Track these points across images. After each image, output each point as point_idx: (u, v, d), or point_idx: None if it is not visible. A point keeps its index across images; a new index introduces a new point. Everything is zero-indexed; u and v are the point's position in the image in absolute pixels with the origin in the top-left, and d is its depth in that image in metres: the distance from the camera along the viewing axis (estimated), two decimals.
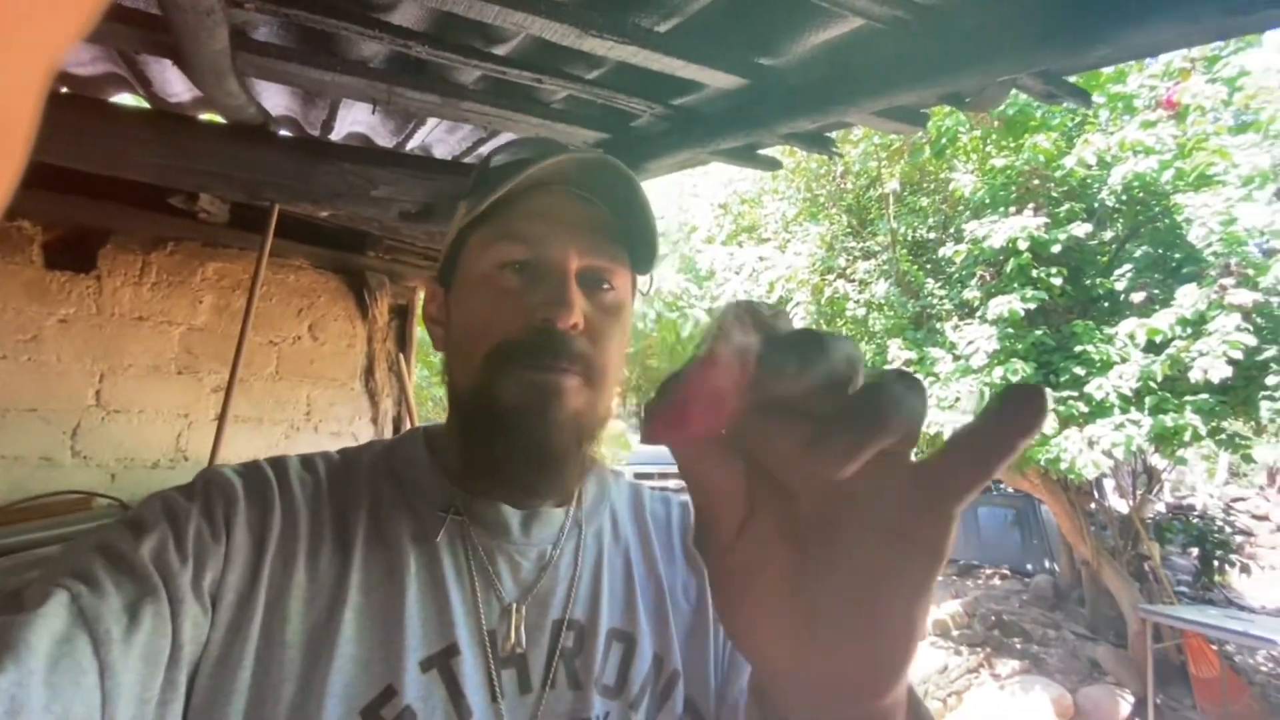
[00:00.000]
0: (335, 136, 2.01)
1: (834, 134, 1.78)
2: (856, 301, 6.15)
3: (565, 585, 0.54)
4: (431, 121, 1.84)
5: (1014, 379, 4.88)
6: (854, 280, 6.39)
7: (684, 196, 9.77)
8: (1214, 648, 5.06)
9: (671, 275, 9.34)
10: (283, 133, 1.95)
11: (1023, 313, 4.85)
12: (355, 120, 1.92)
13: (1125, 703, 5.23)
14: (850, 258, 6.60)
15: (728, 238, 9.30)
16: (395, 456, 0.56)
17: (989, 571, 8.20)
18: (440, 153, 2.11)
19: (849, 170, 6.77)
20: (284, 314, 2.80)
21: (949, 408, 5.19)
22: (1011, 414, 0.21)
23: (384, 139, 2.02)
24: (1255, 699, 4.95)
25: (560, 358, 0.49)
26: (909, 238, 6.17)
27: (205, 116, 1.81)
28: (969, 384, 5.09)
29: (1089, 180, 4.86)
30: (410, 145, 2.03)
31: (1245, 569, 7.21)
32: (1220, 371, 3.86)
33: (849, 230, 6.79)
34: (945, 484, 0.23)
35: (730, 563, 0.27)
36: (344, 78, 1.40)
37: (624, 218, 0.54)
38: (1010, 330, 4.93)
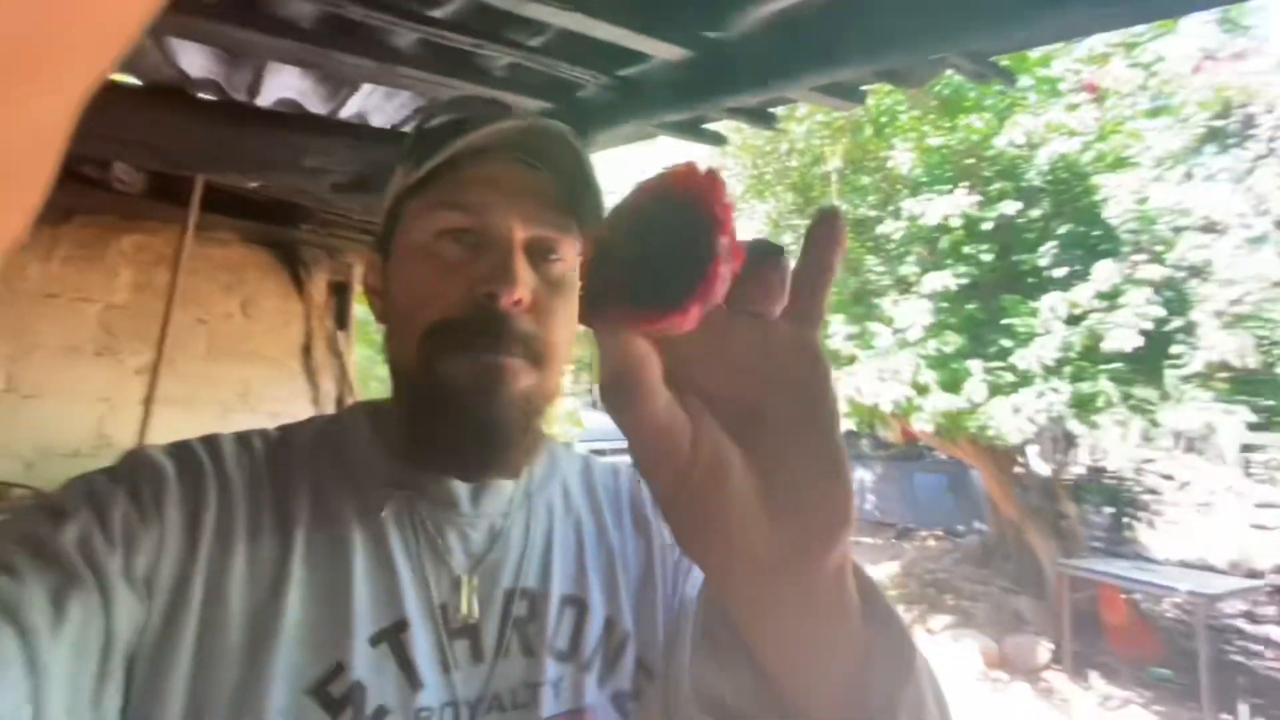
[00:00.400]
0: (262, 102, 1.90)
1: (778, 111, 1.81)
2: None
3: (516, 555, 0.54)
4: (366, 87, 1.77)
5: (947, 350, 5.12)
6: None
7: (633, 175, 9.73)
8: (1124, 597, 5.52)
9: None
10: (204, 97, 1.84)
11: (956, 288, 5.07)
12: (284, 85, 1.82)
13: (1046, 650, 5.66)
14: (796, 235, 6.73)
15: None
16: (337, 432, 0.55)
17: (924, 534, 8.66)
18: (377, 121, 2.03)
19: (794, 149, 6.86)
20: (211, 290, 2.66)
21: (889, 380, 5.41)
22: (821, 237, 0.27)
23: (316, 106, 1.93)
24: (1160, 642, 5.43)
25: (502, 339, 0.48)
26: (851, 216, 6.33)
27: (116, 77, 1.69)
28: (907, 357, 5.31)
29: (1018, 160, 5.09)
30: (344, 113, 1.95)
31: (1152, 524, 7.85)
32: (1132, 341, 4.16)
33: (794, 208, 6.91)
34: (797, 317, 0.27)
35: (691, 484, 0.27)
36: (270, 38, 1.33)
37: (570, 185, 0.52)
38: (945, 305, 5.15)
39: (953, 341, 5.13)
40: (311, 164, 1.87)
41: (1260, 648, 5.34)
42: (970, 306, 5.21)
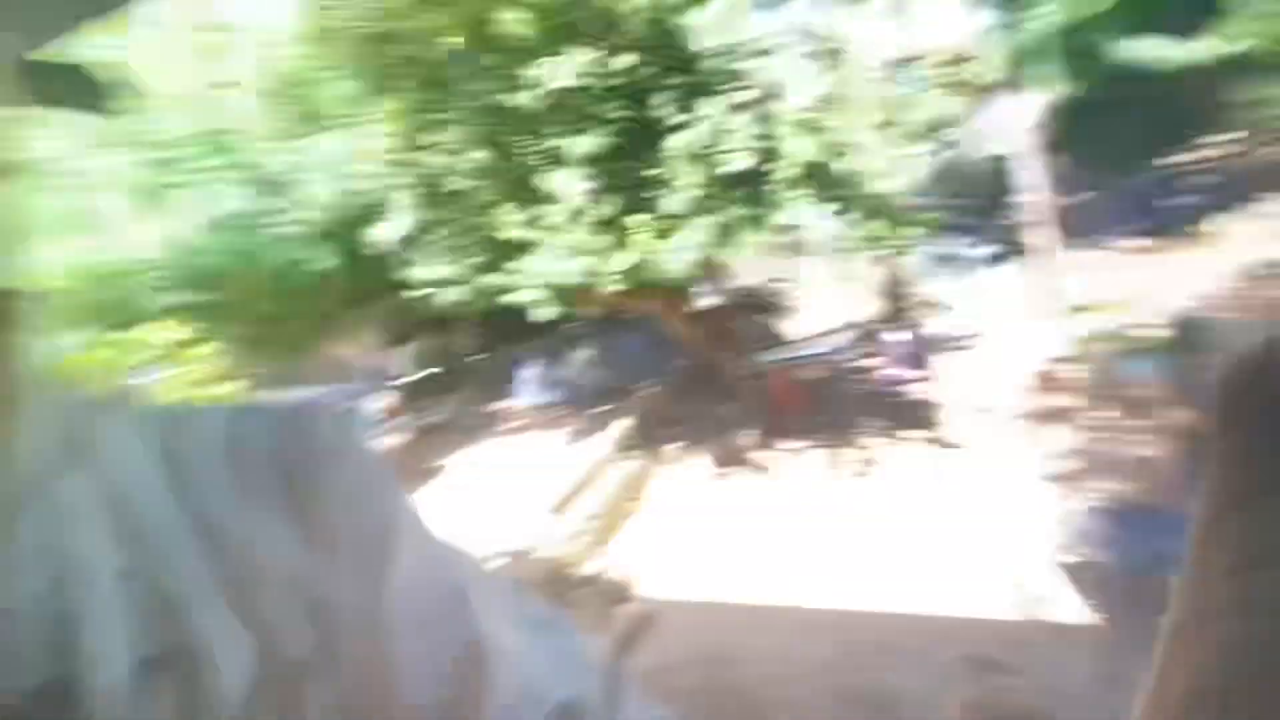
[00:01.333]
0: None
1: None
2: (456, 174, 5.89)
3: None
4: None
5: (611, 211, 5.40)
6: (447, 153, 6.05)
7: (210, 94, 7.75)
8: (786, 375, 6.97)
9: (232, 191, 7.56)
10: None
11: (602, 148, 5.27)
12: None
13: (748, 438, 6.94)
14: (438, 130, 6.18)
15: (291, 132, 7.82)
16: None
17: (643, 388, 9.63)
18: None
19: (403, 34, 6.11)
20: None
21: (573, 255, 5.53)
22: None
23: None
24: (815, 397, 7.02)
25: None
26: (483, 103, 6.00)
27: None
28: (581, 230, 5.47)
29: (616, 12, 5.30)
30: None
31: (789, 316, 9.98)
32: (744, 163, 4.88)
33: (428, 102, 6.29)
34: None
35: None
36: None
37: None
38: (598, 168, 5.34)
39: (613, 202, 5.40)
40: None
41: (868, 375, 7.32)
42: (618, 165, 5.50)
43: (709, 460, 6.88)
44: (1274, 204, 8.43)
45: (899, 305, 8.59)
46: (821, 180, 5.50)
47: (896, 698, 3.22)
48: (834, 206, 5.87)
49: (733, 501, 6.18)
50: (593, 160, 5.38)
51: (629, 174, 5.63)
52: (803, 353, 6.88)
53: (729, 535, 5.58)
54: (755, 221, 5.66)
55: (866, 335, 7.55)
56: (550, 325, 7.71)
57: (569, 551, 5.63)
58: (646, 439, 7.56)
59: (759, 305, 9.64)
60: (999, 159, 11.96)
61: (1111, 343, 5.96)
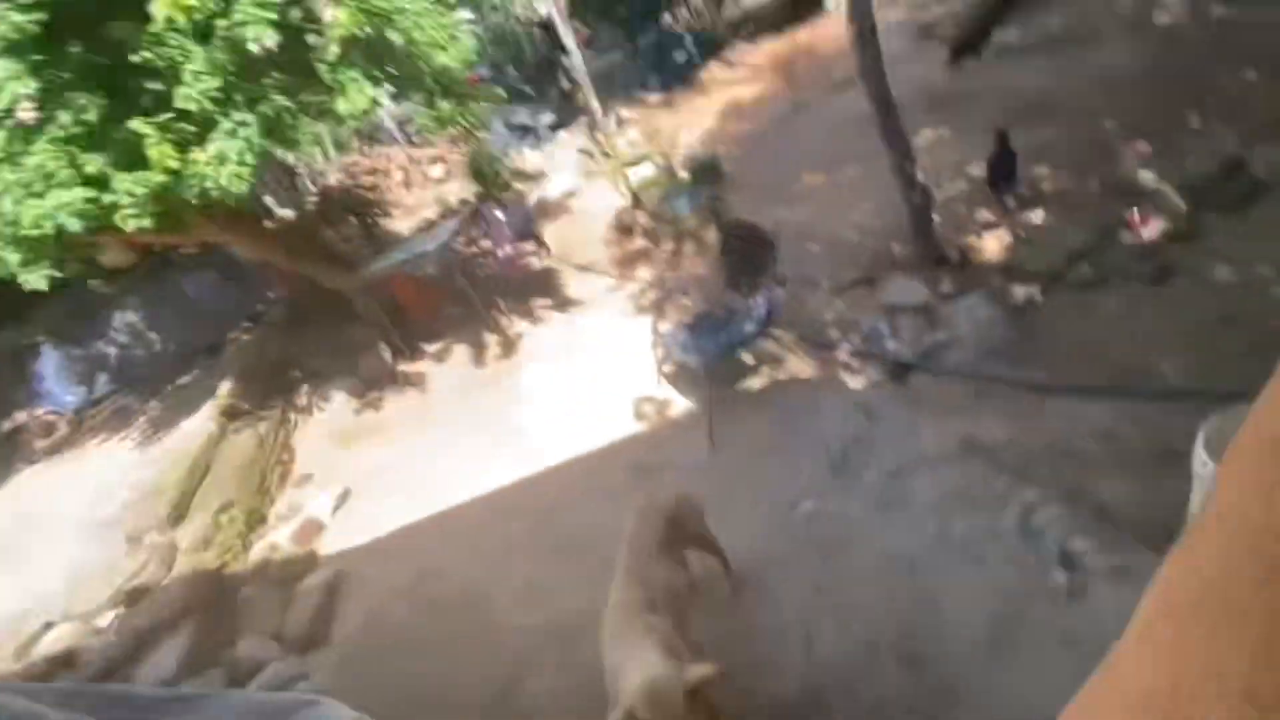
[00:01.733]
0: None
1: None
2: None
3: None
4: None
5: (88, 119, 3.89)
6: None
7: None
8: (408, 277, 6.54)
9: None
10: None
11: (35, 28, 3.63)
12: None
13: (386, 355, 6.48)
14: None
15: None
16: None
17: (229, 341, 7.94)
18: None
19: None
20: None
21: (46, 190, 3.90)
22: None
23: None
24: (442, 294, 6.80)
25: None
26: None
27: None
28: (45, 152, 3.82)
29: None
30: None
31: (389, 214, 9.18)
32: (271, 39, 3.96)
33: None
34: None
35: None
36: None
37: None
38: (35, 56, 3.70)
39: (88, 105, 3.89)
40: None
41: (485, 257, 7.40)
42: (76, 50, 3.91)
43: (349, 392, 6.26)
44: (738, 53, 10.85)
45: (493, 182, 8.67)
46: (371, 56, 4.87)
47: (589, 531, 3.71)
48: (393, 86, 5.34)
49: (390, 423, 5.85)
50: (25, 47, 3.69)
51: (101, 60, 4.06)
52: (416, 250, 6.50)
53: (398, 457, 5.32)
54: (309, 110, 4.80)
55: (472, 217, 7.49)
56: (60, 292, 5.57)
57: (213, 556, 4.66)
58: (260, 394, 6.42)
59: (351, 208, 8.58)
60: (539, 25, 12.46)
61: (657, 185, 7.14)
